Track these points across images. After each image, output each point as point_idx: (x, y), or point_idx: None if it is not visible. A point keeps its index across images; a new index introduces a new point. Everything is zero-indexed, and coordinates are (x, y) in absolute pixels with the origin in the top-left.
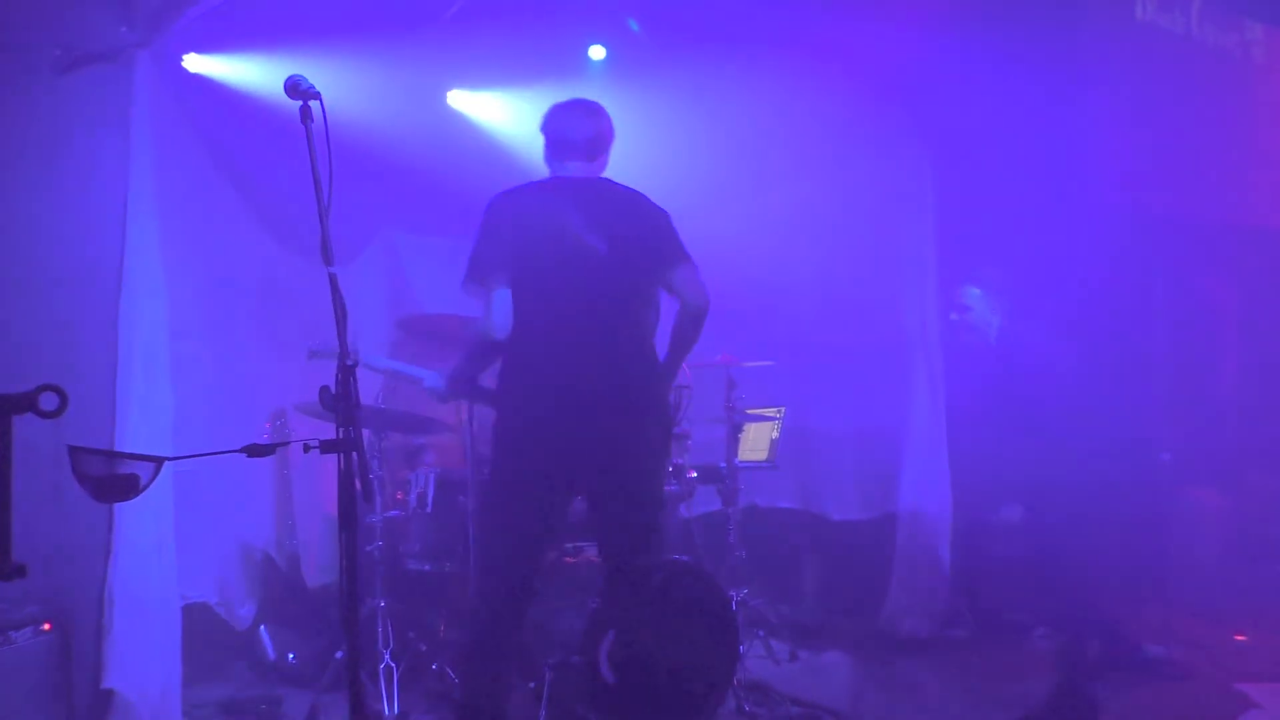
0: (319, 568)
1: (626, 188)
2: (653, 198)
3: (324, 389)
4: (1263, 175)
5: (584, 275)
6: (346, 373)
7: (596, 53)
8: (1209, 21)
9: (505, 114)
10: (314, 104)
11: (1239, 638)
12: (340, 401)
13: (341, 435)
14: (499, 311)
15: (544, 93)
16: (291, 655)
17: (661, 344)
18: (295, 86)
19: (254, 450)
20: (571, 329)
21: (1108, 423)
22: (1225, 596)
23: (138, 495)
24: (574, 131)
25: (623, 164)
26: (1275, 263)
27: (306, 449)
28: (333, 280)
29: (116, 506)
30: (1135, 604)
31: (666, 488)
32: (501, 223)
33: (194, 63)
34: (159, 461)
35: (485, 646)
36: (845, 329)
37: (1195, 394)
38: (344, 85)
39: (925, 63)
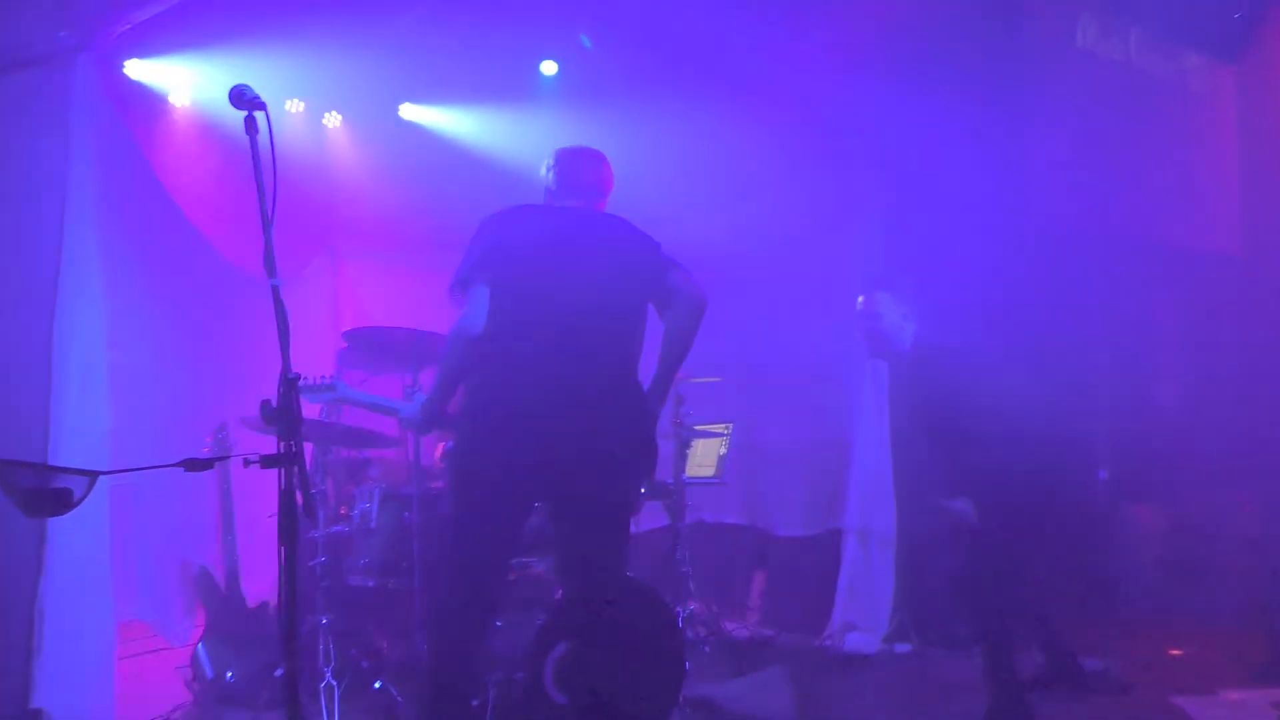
0: (259, 584)
1: (621, 218)
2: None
3: (265, 403)
4: (1202, 199)
5: (568, 290)
6: (288, 386)
7: (549, 68)
8: (1147, 49)
9: (457, 127)
10: (259, 115)
11: (1174, 652)
12: (281, 416)
13: (283, 450)
14: (474, 308)
15: (496, 107)
16: (230, 674)
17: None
18: (240, 96)
19: (192, 465)
20: (552, 341)
21: (1045, 439)
22: (1161, 611)
23: (70, 510)
24: (586, 175)
25: None
26: (1213, 284)
27: (246, 464)
28: (275, 292)
29: (50, 521)
30: (1073, 618)
31: None
32: (491, 234)
33: (136, 69)
34: (93, 476)
35: (450, 677)
36: (792, 346)
37: (1134, 412)
38: (292, 95)
39: (874, 89)
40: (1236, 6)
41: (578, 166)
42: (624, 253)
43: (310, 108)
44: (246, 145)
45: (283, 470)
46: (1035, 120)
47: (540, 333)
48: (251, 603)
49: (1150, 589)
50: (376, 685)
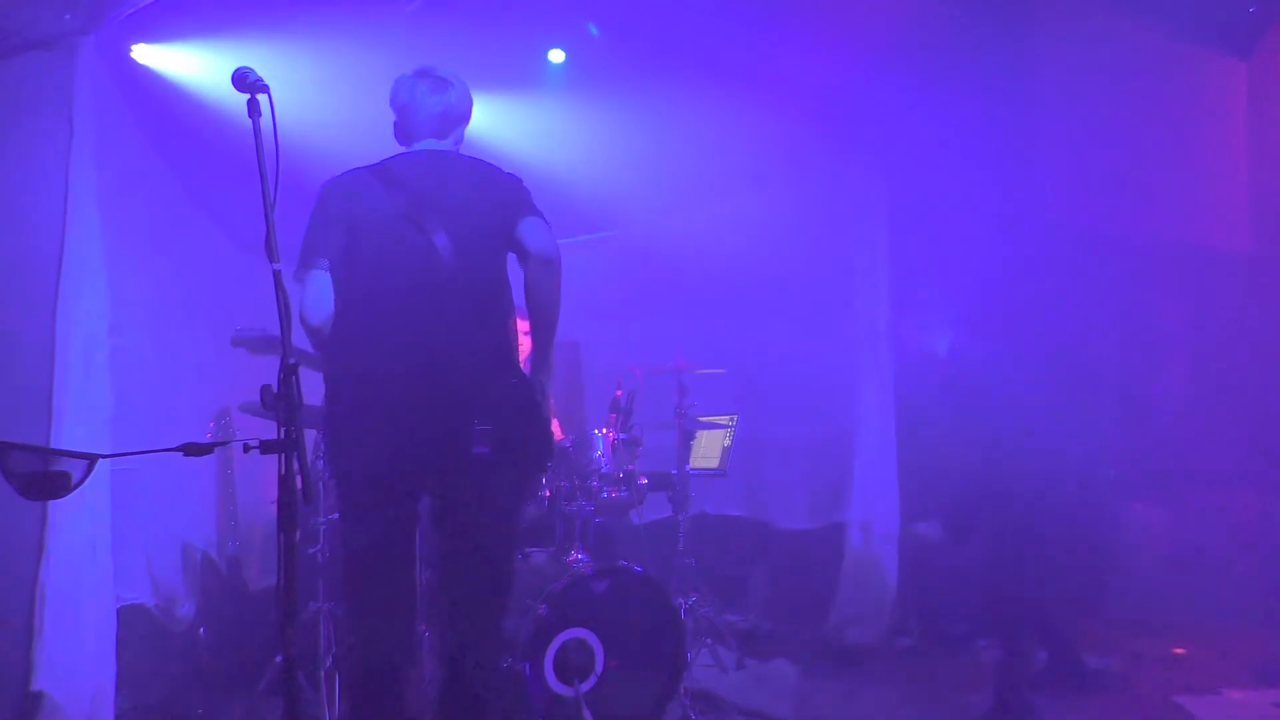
0: (261, 570)
1: (472, 158)
2: (607, 203)
3: (265, 388)
4: (1211, 194)
5: (417, 257)
6: (289, 372)
7: (556, 56)
8: (1158, 43)
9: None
10: (262, 98)
11: (1178, 650)
12: (281, 401)
13: (282, 436)
14: (310, 294)
15: (503, 95)
16: (231, 658)
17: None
18: (243, 79)
19: (192, 449)
20: (402, 315)
21: (1052, 437)
22: (1165, 609)
23: (68, 494)
24: (421, 107)
25: (578, 167)
26: (1221, 280)
27: (247, 449)
28: (277, 277)
29: (51, 504)
30: (1077, 616)
31: (617, 494)
32: (328, 206)
33: (142, 53)
34: (91, 459)
35: (365, 685)
36: (797, 338)
37: (1138, 411)
38: (298, 81)
39: (881, 82)
40: (1248, 2)
41: (414, 98)
42: (474, 203)
43: (318, 92)
44: (259, 121)
45: (282, 456)
46: (1042, 114)
47: (386, 312)
48: (253, 587)
49: (1154, 587)
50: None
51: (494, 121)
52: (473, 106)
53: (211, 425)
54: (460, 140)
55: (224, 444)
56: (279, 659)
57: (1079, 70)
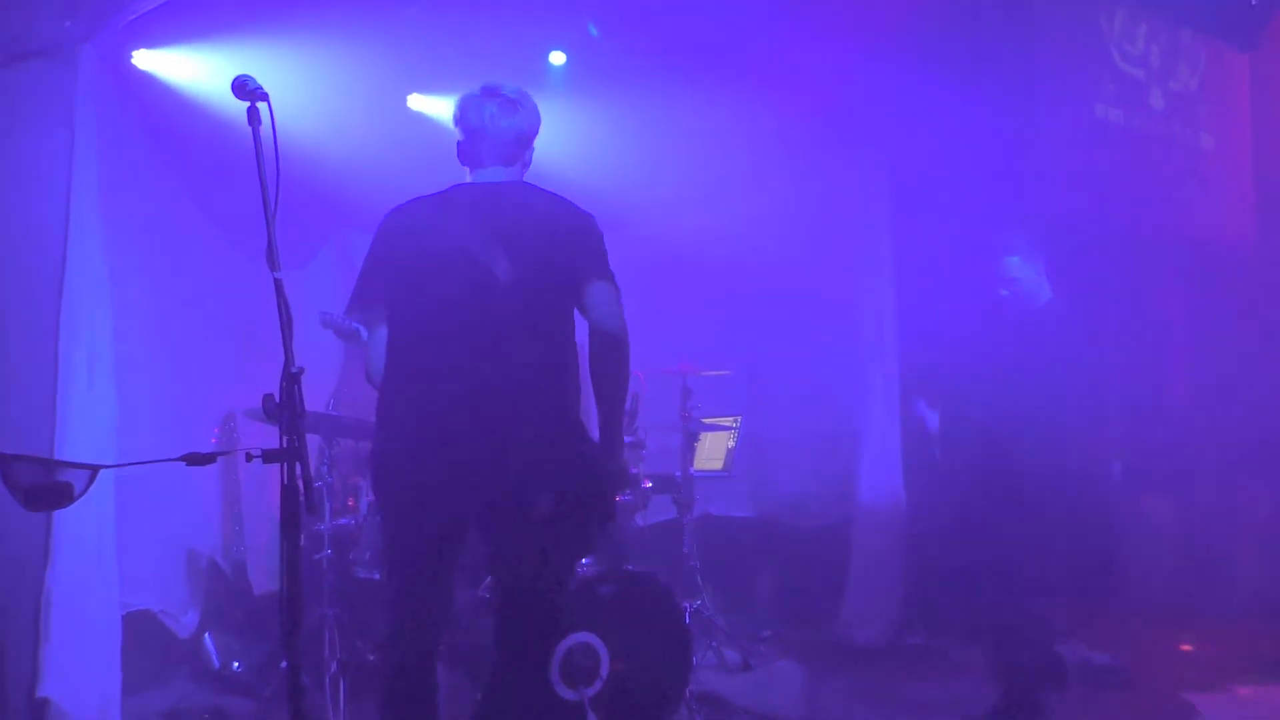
0: (266, 574)
1: (546, 193)
2: (610, 205)
3: (268, 397)
4: (1215, 188)
5: (479, 300)
6: (291, 381)
7: (557, 58)
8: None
9: None
10: (262, 106)
11: (1185, 647)
12: (284, 410)
13: (285, 445)
14: (375, 355)
15: None
16: (236, 664)
17: None
18: (243, 86)
19: (194, 460)
20: (459, 360)
21: (1058, 433)
22: (1173, 605)
23: (71, 504)
24: (491, 131)
25: (580, 169)
26: (1226, 274)
27: (249, 458)
28: (278, 286)
29: (56, 511)
30: (1085, 612)
31: (621, 497)
32: (390, 243)
33: (144, 59)
34: (94, 470)
35: (395, 688)
36: (802, 338)
37: (1147, 404)
38: (301, 85)
39: (883, 82)
40: None
41: (483, 121)
42: (543, 248)
43: (320, 96)
44: (259, 130)
45: (285, 465)
46: (1047, 110)
47: (443, 355)
48: (258, 592)
49: (1163, 583)
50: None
51: None
52: (540, 120)
53: (216, 431)
54: (529, 162)
55: (227, 454)
56: (284, 665)
57: (1081, 65)
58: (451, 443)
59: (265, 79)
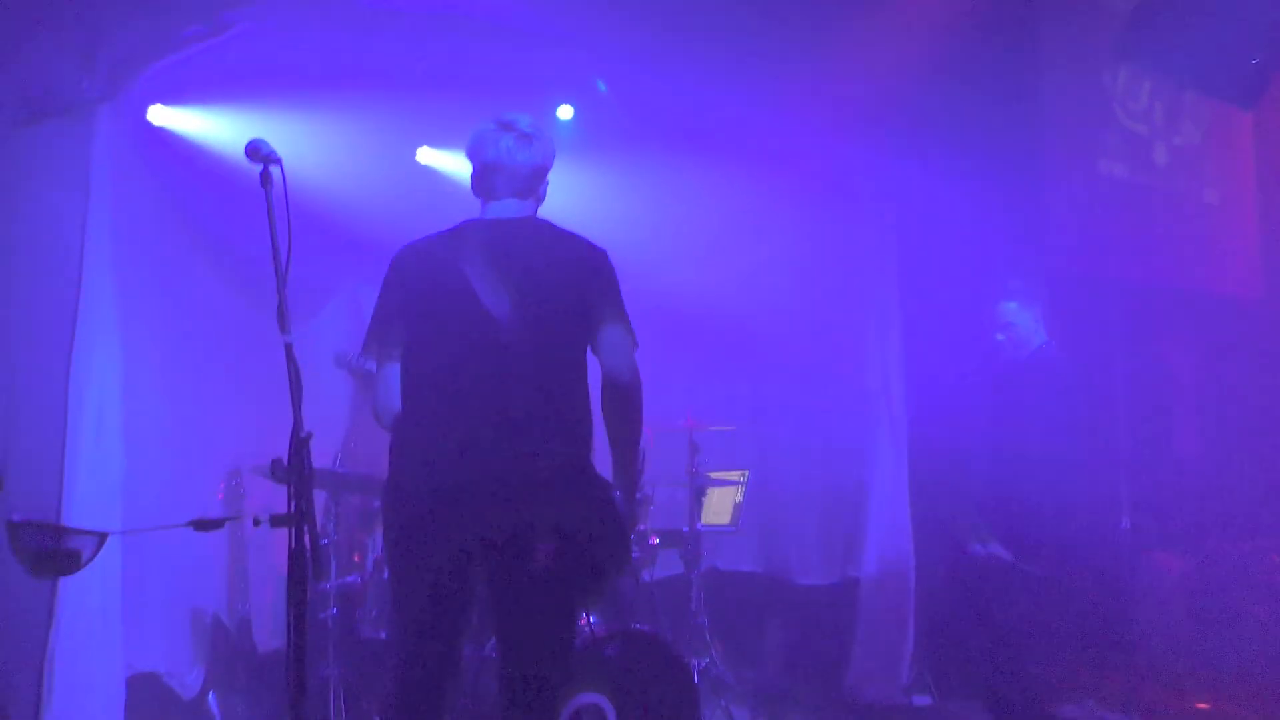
0: (270, 632)
1: (559, 229)
2: (616, 259)
3: (275, 461)
4: (1219, 244)
5: (490, 343)
6: (300, 444)
7: (565, 112)
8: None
9: None
10: (275, 169)
11: (1200, 705)
12: (292, 474)
13: (293, 509)
14: (384, 392)
15: None
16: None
17: None
18: (256, 151)
19: (201, 525)
20: (467, 403)
21: (1066, 489)
22: (1186, 663)
23: (78, 571)
24: (506, 165)
25: (586, 222)
26: (1233, 328)
27: (256, 523)
28: (288, 350)
29: None
30: (1098, 670)
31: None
32: (402, 282)
33: (159, 115)
34: (101, 536)
35: None
36: (808, 392)
37: (1156, 459)
38: (313, 139)
39: (891, 138)
40: (1252, 53)
41: (499, 154)
42: (555, 287)
43: (331, 150)
44: (272, 193)
45: (293, 530)
46: (1052, 165)
47: (451, 399)
48: (262, 651)
49: (1175, 640)
50: None
51: None
52: (555, 153)
53: (222, 487)
54: (543, 196)
55: (234, 519)
56: None
57: (1085, 121)
58: (462, 486)
59: (277, 134)
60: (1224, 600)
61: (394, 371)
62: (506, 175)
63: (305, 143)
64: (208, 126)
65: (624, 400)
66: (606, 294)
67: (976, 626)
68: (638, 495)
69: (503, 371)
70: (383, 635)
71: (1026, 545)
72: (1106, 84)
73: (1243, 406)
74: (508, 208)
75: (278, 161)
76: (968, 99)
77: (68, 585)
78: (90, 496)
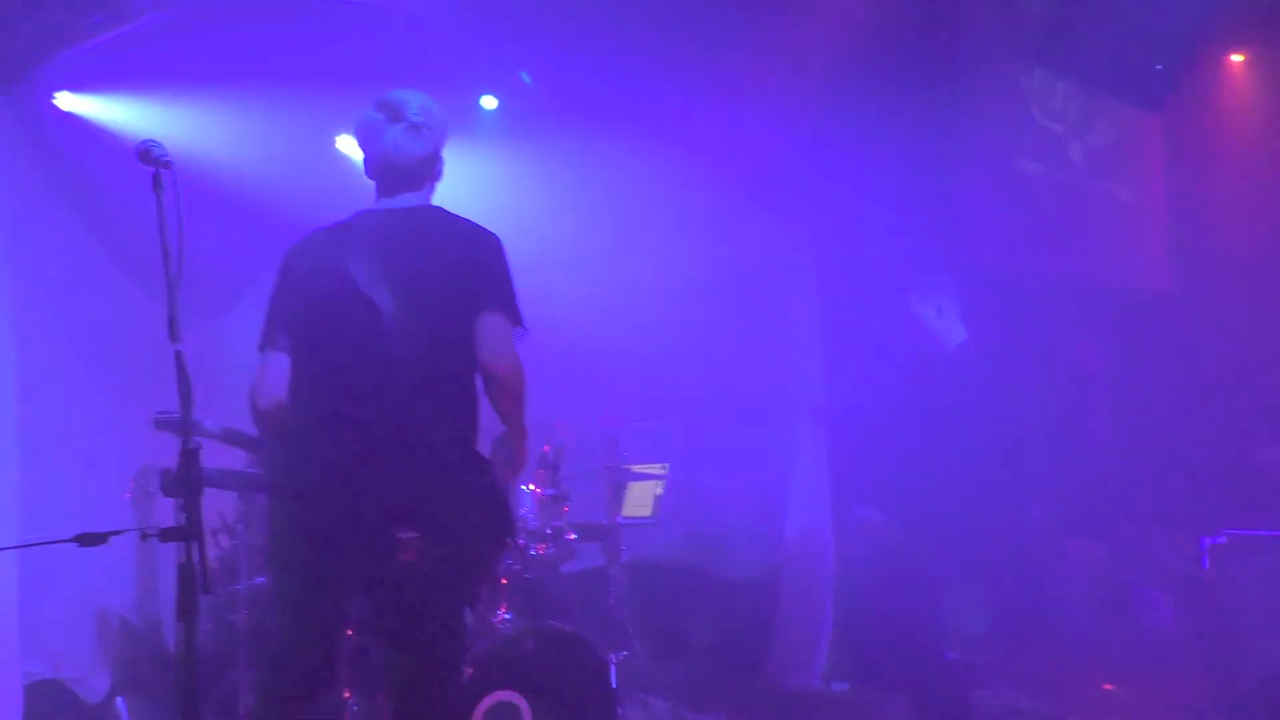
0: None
1: (451, 216)
2: (535, 253)
3: (165, 472)
4: (1131, 241)
5: (372, 335)
6: (189, 456)
7: (489, 103)
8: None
9: None
10: (167, 173)
11: (1107, 687)
12: (181, 486)
13: (183, 523)
14: (265, 376)
15: None
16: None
17: None
18: (146, 153)
19: (87, 539)
20: (351, 400)
21: (979, 480)
22: (1095, 649)
23: None
24: (392, 155)
25: (506, 215)
26: (1143, 325)
27: (144, 537)
28: (178, 359)
29: None
30: (1012, 657)
31: (545, 550)
32: (289, 276)
33: (67, 101)
34: None
35: None
36: (729, 386)
37: (1068, 452)
38: (231, 128)
39: (810, 134)
40: (1156, 59)
41: (383, 144)
42: (442, 275)
43: (248, 138)
44: (183, 184)
45: (182, 544)
46: (970, 162)
47: (335, 396)
48: (175, 652)
49: (1085, 626)
50: None
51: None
52: (448, 131)
53: (131, 486)
54: (440, 175)
55: (119, 533)
56: None
57: (1003, 119)
58: (347, 478)
59: (192, 123)
60: (1133, 586)
61: (280, 360)
62: (395, 168)
63: (222, 131)
64: (118, 114)
65: (502, 394)
66: (491, 281)
67: (892, 614)
68: (552, 492)
69: (388, 363)
70: None
71: (940, 536)
72: (1024, 83)
73: (1154, 399)
74: (401, 199)
75: (169, 164)
76: (889, 94)
77: None
78: None
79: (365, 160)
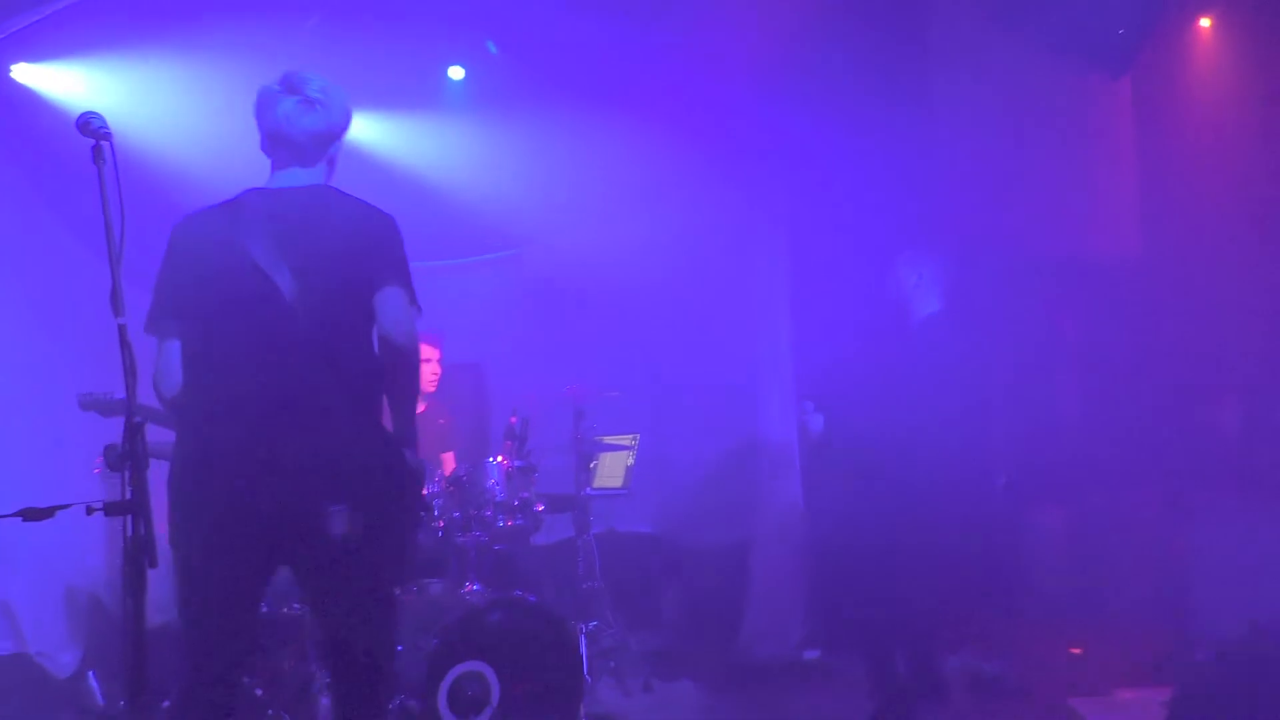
0: (155, 606)
1: (345, 196)
2: (503, 223)
3: (109, 448)
4: (1099, 207)
5: (267, 312)
6: (134, 430)
7: (456, 73)
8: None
9: (365, 132)
10: (106, 145)
11: (1075, 651)
12: (126, 460)
13: (129, 497)
14: (163, 365)
15: (404, 111)
16: (123, 701)
17: None
18: (86, 125)
19: (31, 514)
20: (249, 378)
21: (947, 446)
22: (1062, 613)
23: None
24: (286, 131)
25: (474, 185)
26: (1112, 288)
27: (90, 512)
28: (122, 332)
29: None
30: (978, 621)
31: (513, 522)
32: (177, 255)
33: (23, 73)
34: None
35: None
36: (699, 355)
37: (1036, 418)
38: (194, 100)
39: (777, 100)
40: (1118, 24)
41: (277, 118)
42: (336, 253)
43: (211, 110)
44: (137, 155)
45: (128, 518)
46: (938, 133)
47: (233, 375)
48: (148, 624)
49: (1052, 590)
50: (270, 713)
51: (393, 138)
52: (349, 117)
53: (100, 461)
54: (334, 160)
55: (64, 507)
56: (166, 704)
57: (971, 91)
58: (248, 462)
59: (154, 94)
60: (1097, 552)
61: (173, 346)
62: (285, 142)
63: (184, 104)
64: (75, 85)
65: (398, 361)
66: (387, 259)
67: (861, 582)
68: (520, 464)
69: (283, 342)
70: (264, 610)
71: (908, 503)
72: (993, 50)
73: (1121, 365)
74: (292, 176)
75: (108, 136)
76: (859, 61)
77: None
78: None
79: (260, 134)
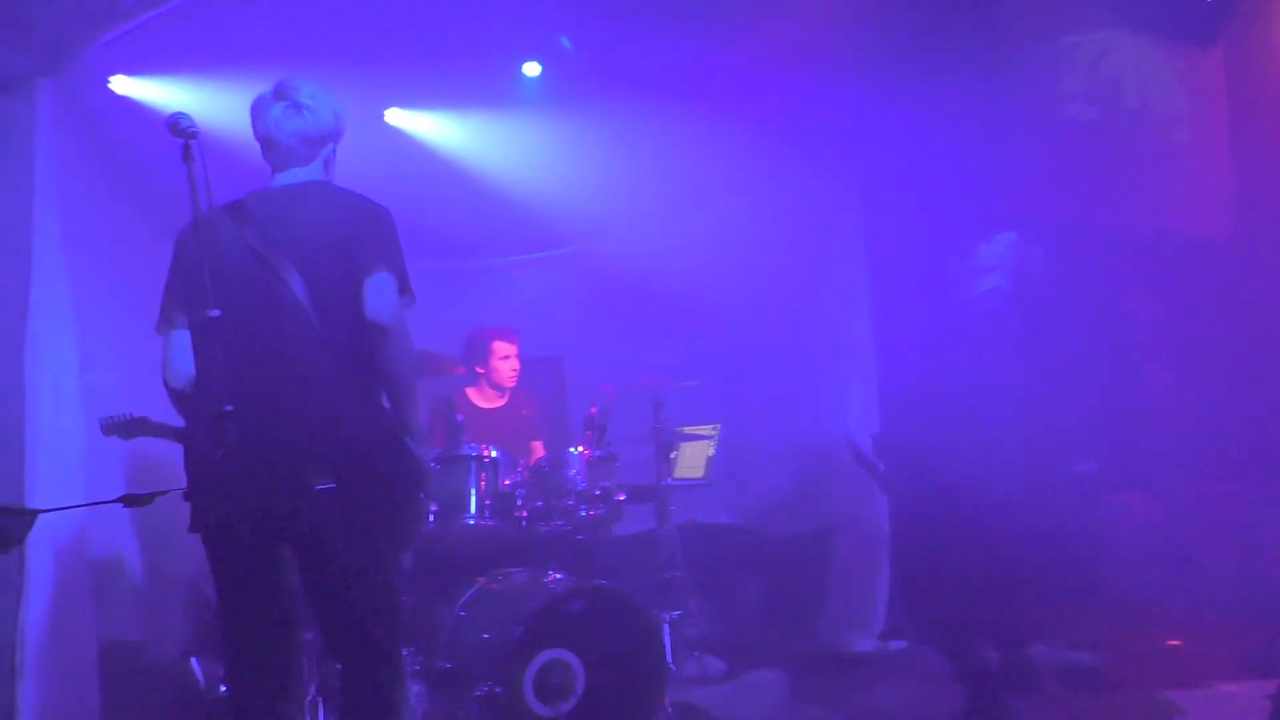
0: None
1: (342, 191)
2: (581, 217)
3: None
4: (1191, 186)
5: (269, 305)
6: (221, 419)
7: (531, 69)
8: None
9: (444, 131)
10: (194, 144)
11: (1172, 643)
12: (220, 450)
13: None
14: (174, 355)
15: (481, 109)
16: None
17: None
18: (175, 125)
19: (131, 500)
20: (254, 370)
21: (1032, 433)
22: (1155, 603)
23: (12, 549)
24: (278, 135)
25: (557, 180)
26: (1202, 273)
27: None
28: (214, 326)
29: (30, 545)
30: (1068, 612)
31: (594, 512)
32: (185, 255)
33: (122, 85)
34: (32, 514)
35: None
36: (780, 345)
37: (1123, 403)
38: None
39: (856, 90)
40: None
41: (268, 125)
42: (332, 245)
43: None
44: (237, 163)
45: None
46: (1021, 109)
47: (238, 367)
48: None
49: (1145, 581)
50: None
51: (472, 136)
52: (340, 120)
53: None
54: (329, 161)
55: (164, 493)
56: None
57: (1054, 69)
58: (256, 456)
59: (242, 102)
60: (1189, 541)
61: (181, 337)
62: (276, 146)
63: None
64: (172, 96)
65: (382, 341)
66: (379, 247)
67: (944, 571)
68: (600, 454)
69: (286, 336)
70: None
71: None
72: (1075, 26)
73: (1213, 349)
74: (290, 176)
75: (196, 135)
76: (934, 45)
77: (36, 556)
78: (52, 472)
79: (256, 141)
